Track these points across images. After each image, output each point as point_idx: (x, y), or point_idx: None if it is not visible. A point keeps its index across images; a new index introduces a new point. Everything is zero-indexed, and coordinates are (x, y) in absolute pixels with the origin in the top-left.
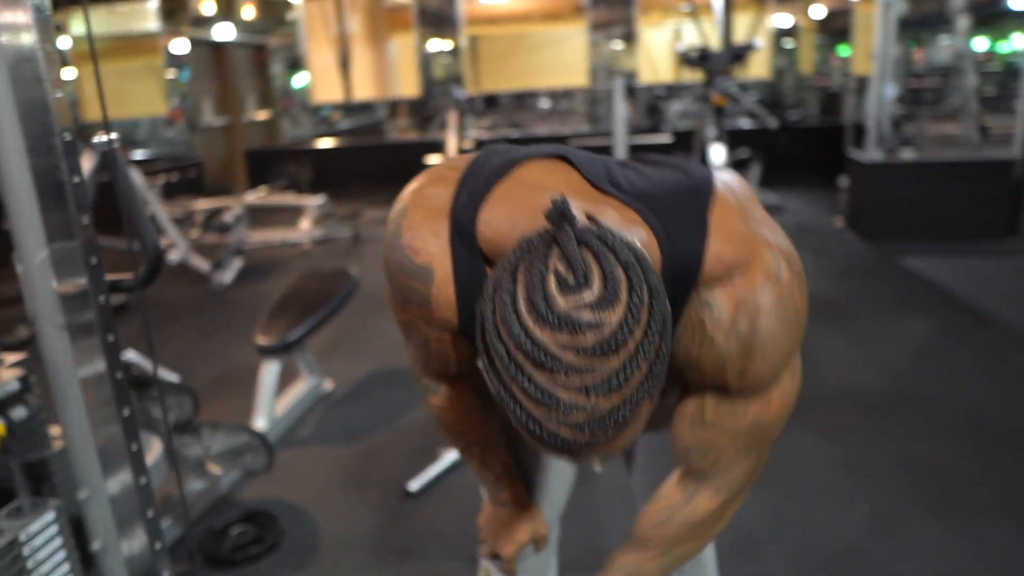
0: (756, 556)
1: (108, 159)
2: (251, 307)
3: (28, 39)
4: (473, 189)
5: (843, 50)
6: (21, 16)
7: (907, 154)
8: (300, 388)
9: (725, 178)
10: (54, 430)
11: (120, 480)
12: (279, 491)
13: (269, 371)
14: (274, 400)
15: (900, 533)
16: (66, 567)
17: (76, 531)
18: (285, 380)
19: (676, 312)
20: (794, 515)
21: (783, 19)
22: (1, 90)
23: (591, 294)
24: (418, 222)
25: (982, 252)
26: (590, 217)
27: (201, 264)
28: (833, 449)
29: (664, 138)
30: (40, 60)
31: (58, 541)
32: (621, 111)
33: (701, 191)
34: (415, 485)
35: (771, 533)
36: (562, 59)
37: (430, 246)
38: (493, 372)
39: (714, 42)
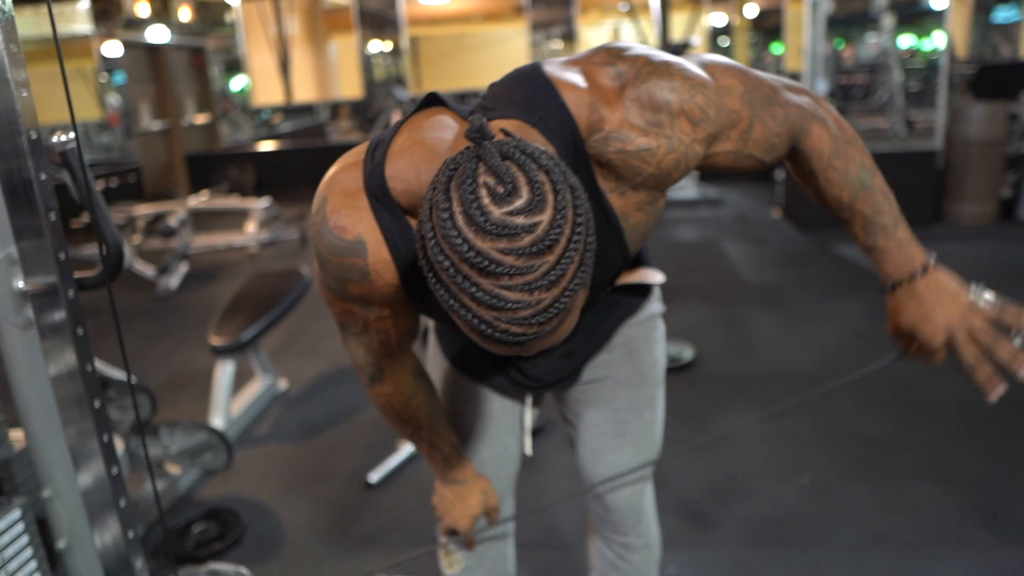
0: (702, 531)
1: (68, 158)
2: (199, 311)
3: None
4: (375, 156)
5: (776, 48)
6: None
7: None
8: (255, 387)
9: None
10: (13, 433)
11: (91, 472)
12: (239, 489)
13: (224, 371)
14: (230, 399)
15: (836, 500)
16: (33, 565)
17: (40, 531)
18: (240, 380)
19: (591, 183)
20: (737, 490)
21: (719, 18)
22: None
23: (521, 200)
24: (339, 203)
25: None
26: (504, 131)
27: (146, 269)
28: (772, 426)
29: None
30: (5, 61)
31: (24, 539)
32: None
33: (536, 74)
34: (375, 476)
35: (716, 508)
36: (504, 59)
37: (355, 221)
38: (442, 287)
39: (652, 41)
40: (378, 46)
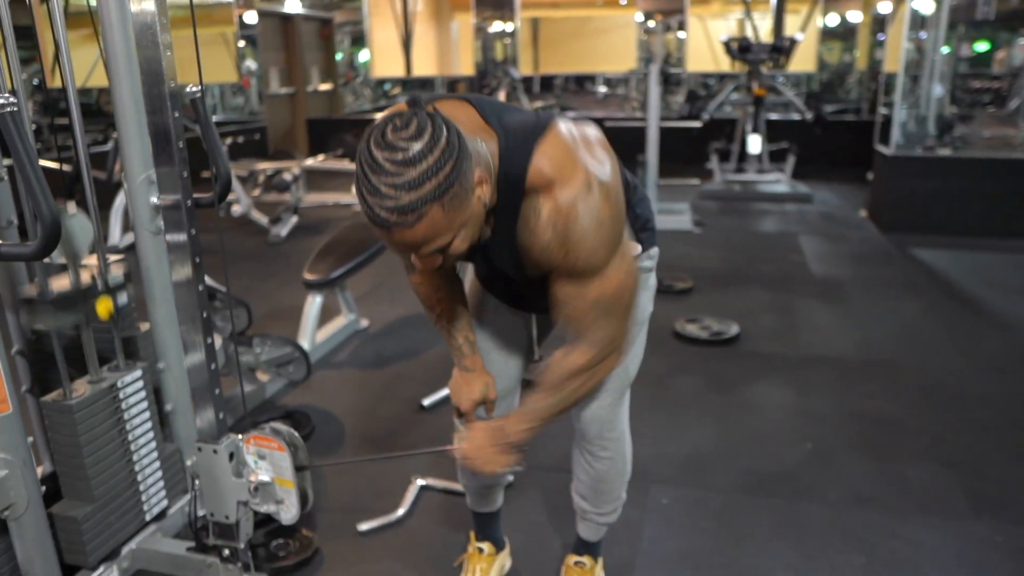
0: (702, 474)
1: (196, 105)
2: (301, 258)
3: (150, 7)
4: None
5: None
6: None
7: (945, 151)
8: (339, 322)
9: (570, 125)
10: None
11: (195, 358)
12: (314, 400)
13: (313, 302)
14: (316, 327)
15: (832, 465)
16: (147, 415)
17: (156, 397)
18: (328, 316)
19: (515, 212)
20: (745, 448)
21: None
22: (130, 50)
23: (406, 134)
24: None
25: (993, 247)
26: (435, 107)
27: (261, 218)
28: (796, 400)
29: (695, 124)
30: (157, 27)
31: (142, 394)
32: (654, 97)
33: (539, 128)
34: (428, 401)
35: (721, 459)
36: (618, 45)
37: None
38: (357, 179)
39: (762, 34)
40: (500, 26)
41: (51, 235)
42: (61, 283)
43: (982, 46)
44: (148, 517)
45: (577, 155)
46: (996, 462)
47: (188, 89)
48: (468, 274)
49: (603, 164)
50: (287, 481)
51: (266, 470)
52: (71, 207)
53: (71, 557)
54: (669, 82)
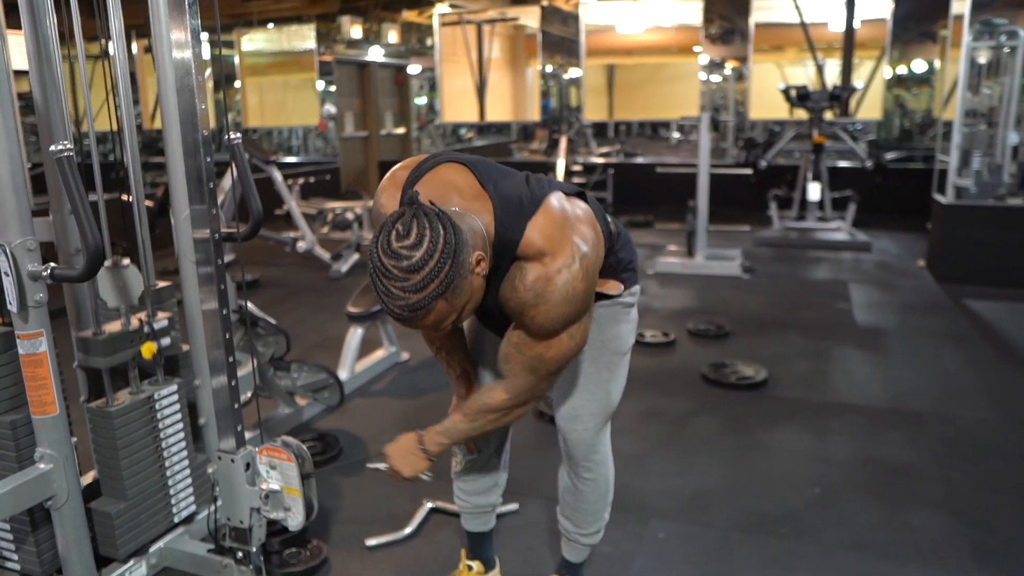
0: (702, 511)
1: (234, 150)
2: None
3: (188, 64)
4: (414, 177)
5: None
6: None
7: (1015, 200)
8: (380, 353)
9: (562, 200)
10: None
11: (217, 376)
12: (347, 424)
13: (355, 334)
14: (355, 358)
15: (836, 509)
16: (180, 426)
17: (191, 411)
18: (370, 347)
19: (503, 271)
20: (751, 488)
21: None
22: (173, 99)
23: (408, 241)
24: (386, 191)
25: None
26: (431, 203)
27: (324, 254)
28: (813, 445)
29: (745, 171)
30: (194, 87)
31: (177, 407)
32: (705, 144)
33: (534, 203)
34: None
35: (725, 497)
36: (690, 91)
37: (392, 203)
38: (371, 279)
39: (833, 82)
40: (565, 72)
41: (95, 260)
42: (113, 327)
43: None
44: (176, 519)
45: (566, 231)
46: (1009, 517)
47: (228, 136)
48: None
49: (587, 240)
50: (294, 490)
51: (276, 479)
52: (125, 260)
53: (105, 549)
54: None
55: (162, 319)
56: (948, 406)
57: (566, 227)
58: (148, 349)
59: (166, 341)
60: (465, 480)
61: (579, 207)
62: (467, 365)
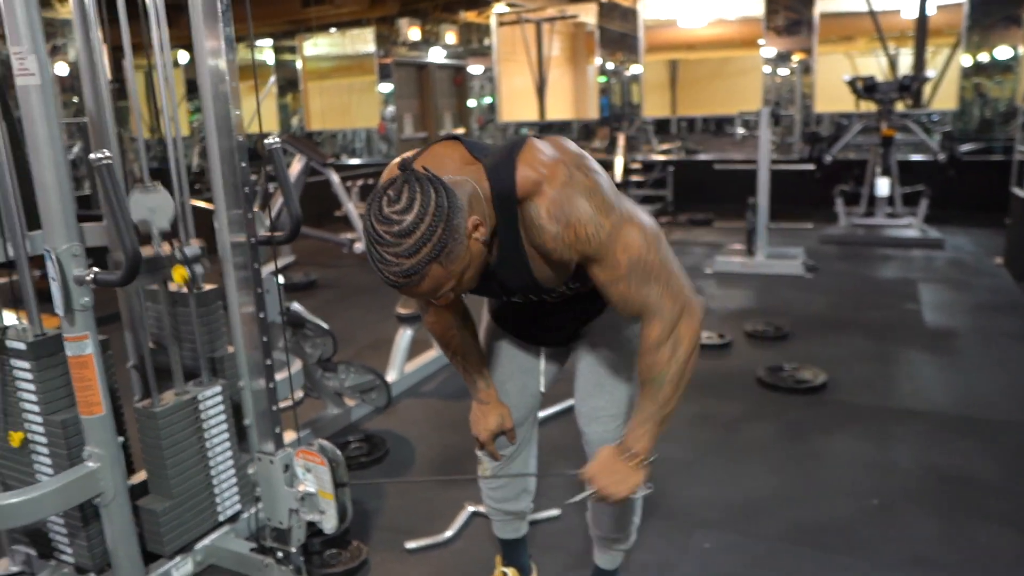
0: (751, 521)
1: (274, 156)
2: None
3: (223, 73)
4: (411, 157)
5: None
6: (222, 61)
7: None
8: (430, 354)
9: (542, 140)
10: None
11: (257, 378)
12: (394, 425)
13: (404, 335)
14: (404, 359)
15: (895, 522)
16: (224, 426)
17: (236, 412)
18: (421, 348)
19: (515, 224)
20: (803, 498)
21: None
22: (211, 106)
23: (398, 206)
24: (389, 173)
25: None
26: (425, 168)
27: None
28: (873, 453)
29: (809, 167)
30: (228, 94)
31: (221, 407)
32: (765, 139)
33: (516, 144)
34: None
35: (775, 507)
36: (755, 85)
37: None
38: (366, 246)
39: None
40: (625, 68)
41: (133, 265)
42: (147, 252)
43: None
44: (221, 518)
45: (554, 153)
46: None
47: (267, 141)
48: (484, 315)
49: (573, 149)
50: (328, 494)
51: (311, 482)
52: (155, 184)
53: (152, 546)
54: (780, 123)
55: (195, 246)
56: (1020, 413)
57: (552, 152)
58: (179, 273)
59: (199, 269)
60: (493, 487)
61: (562, 139)
62: (483, 367)
